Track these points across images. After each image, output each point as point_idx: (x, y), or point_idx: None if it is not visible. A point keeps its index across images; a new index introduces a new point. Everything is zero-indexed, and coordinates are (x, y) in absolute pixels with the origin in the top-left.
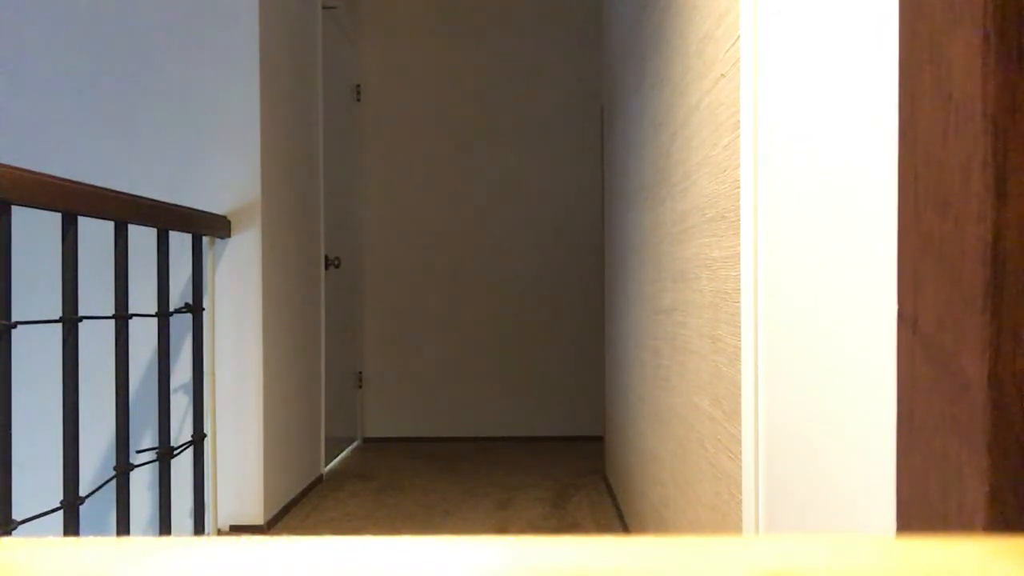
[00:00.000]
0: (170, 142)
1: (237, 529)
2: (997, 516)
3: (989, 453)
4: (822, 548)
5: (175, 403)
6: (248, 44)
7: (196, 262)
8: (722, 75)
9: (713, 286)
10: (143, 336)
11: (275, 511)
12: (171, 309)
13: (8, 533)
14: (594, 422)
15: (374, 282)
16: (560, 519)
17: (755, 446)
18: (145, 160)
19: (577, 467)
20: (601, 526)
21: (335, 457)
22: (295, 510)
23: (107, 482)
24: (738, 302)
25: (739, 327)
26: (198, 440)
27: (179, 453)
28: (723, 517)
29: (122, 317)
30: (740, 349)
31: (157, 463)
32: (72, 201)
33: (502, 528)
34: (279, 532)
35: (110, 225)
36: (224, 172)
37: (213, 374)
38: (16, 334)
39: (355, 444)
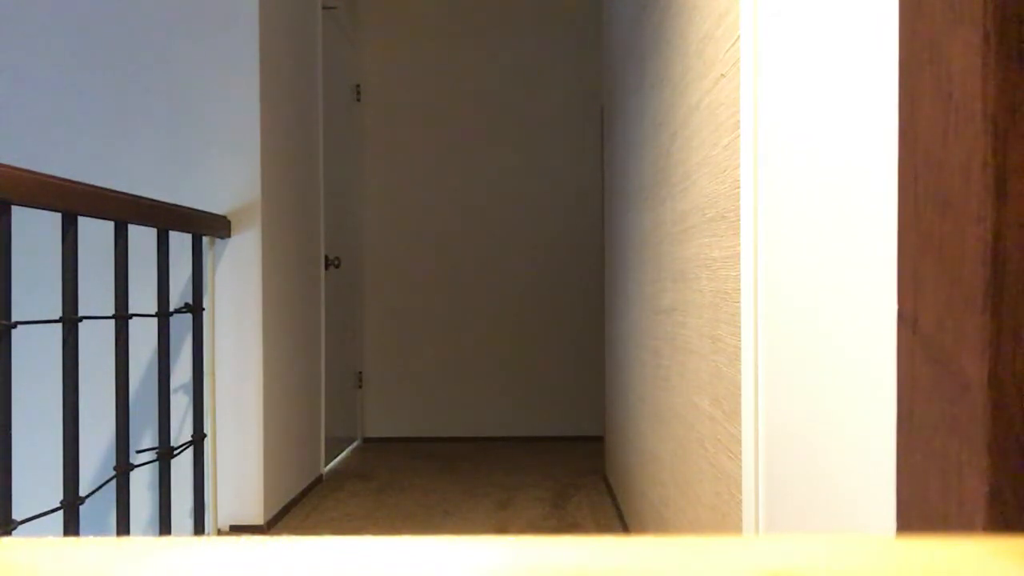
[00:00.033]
0: (170, 142)
1: (237, 529)
2: (997, 516)
3: (989, 453)
4: (822, 548)
5: (175, 403)
6: (248, 44)
7: (196, 262)
8: (722, 75)
9: (713, 286)
10: (143, 336)
11: (275, 511)
12: (171, 309)
13: (8, 533)
14: (594, 422)
15: (374, 282)
16: (560, 519)
17: (755, 446)
18: (145, 160)
19: (577, 467)
20: (601, 526)
21: (335, 457)
22: (295, 510)
23: (107, 482)
24: (738, 302)
25: (739, 327)
26: (198, 440)
27: (179, 453)
28: (723, 517)
29: (122, 317)
30: (740, 349)
31: (157, 463)
32: (72, 201)
33: (502, 528)
34: (279, 532)
35: (110, 225)
36: (224, 172)
37: (213, 374)
38: (16, 334)
39: (355, 444)
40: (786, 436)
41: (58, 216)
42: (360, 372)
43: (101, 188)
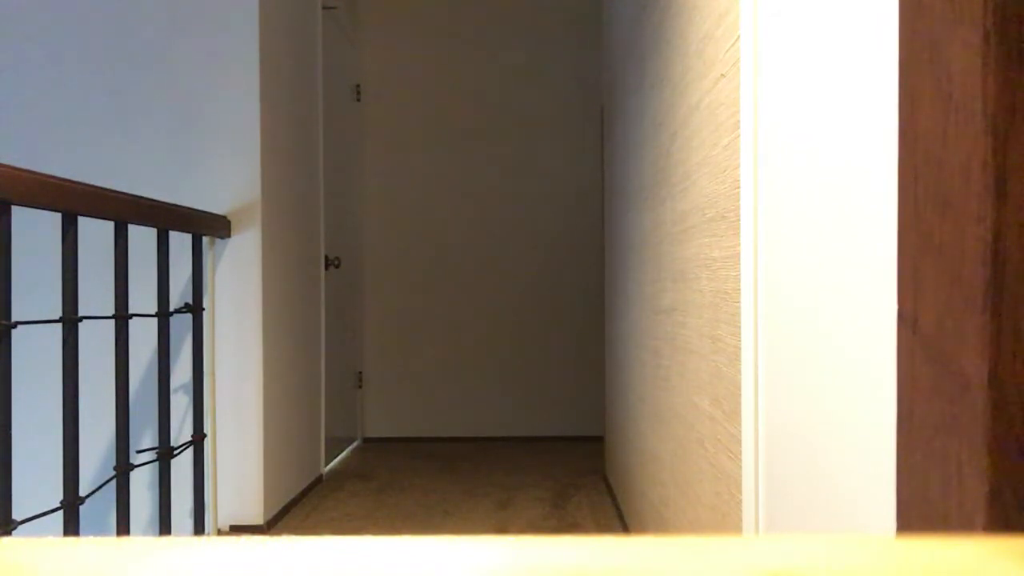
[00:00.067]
0: (170, 142)
1: (237, 529)
2: (997, 516)
3: (989, 453)
4: (822, 548)
5: (175, 403)
6: (248, 44)
7: (196, 262)
8: (722, 75)
9: (713, 286)
10: (143, 336)
11: (275, 511)
12: (171, 309)
13: (8, 533)
14: (594, 422)
15: (374, 282)
16: (560, 519)
17: (755, 446)
18: (145, 160)
19: (577, 467)
20: (601, 526)
21: (335, 457)
22: (295, 510)
23: (107, 482)
24: (738, 302)
25: (739, 327)
26: (198, 440)
27: (179, 453)
28: (723, 517)
29: (122, 317)
30: (740, 349)
31: (157, 463)
32: (72, 201)
33: (502, 528)
34: (279, 532)
35: (110, 225)
36: (224, 172)
37: (213, 374)
38: (16, 334)
39: (355, 444)
40: (786, 436)
41: (58, 216)
42: (360, 372)
43: (101, 188)
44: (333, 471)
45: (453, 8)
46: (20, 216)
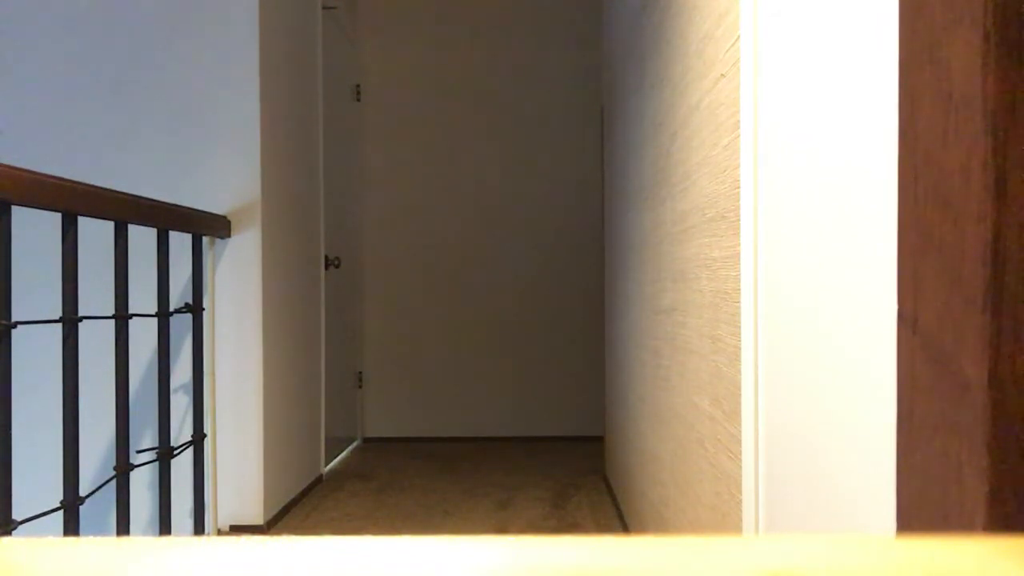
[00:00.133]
0: (170, 142)
1: (237, 529)
2: (997, 516)
3: (989, 453)
4: (822, 548)
5: (175, 403)
6: (248, 44)
7: (196, 262)
8: (722, 75)
9: (713, 286)
10: (143, 336)
11: (275, 511)
12: (171, 309)
13: (8, 533)
14: (594, 422)
15: (374, 282)
16: (560, 519)
17: (755, 446)
18: (145, 160)
19: (577, 467)
20: (601, 526)
21: (335, 457)
22: (295, 510)
23: (107, 482)
24: (738, 302)
25: (739, 327)
26: (198, 440)
27: (179, 453)
28: (723, 517)
29: (122, 317)
30: (740, 349)
31: (157, 463)
32: (72, 201)
33: (502, 528)
34: (279, 532)
35: (110, 225)
36: (224, 172)
37: (213, 374)
38: (16, 334)
39: (355, 444)
40: (786, 436)
41: (58, 216)
42: (360, 372)
43: (101, 188)
44: (333, 471)
45: (453, 8)
46: (20, 216)
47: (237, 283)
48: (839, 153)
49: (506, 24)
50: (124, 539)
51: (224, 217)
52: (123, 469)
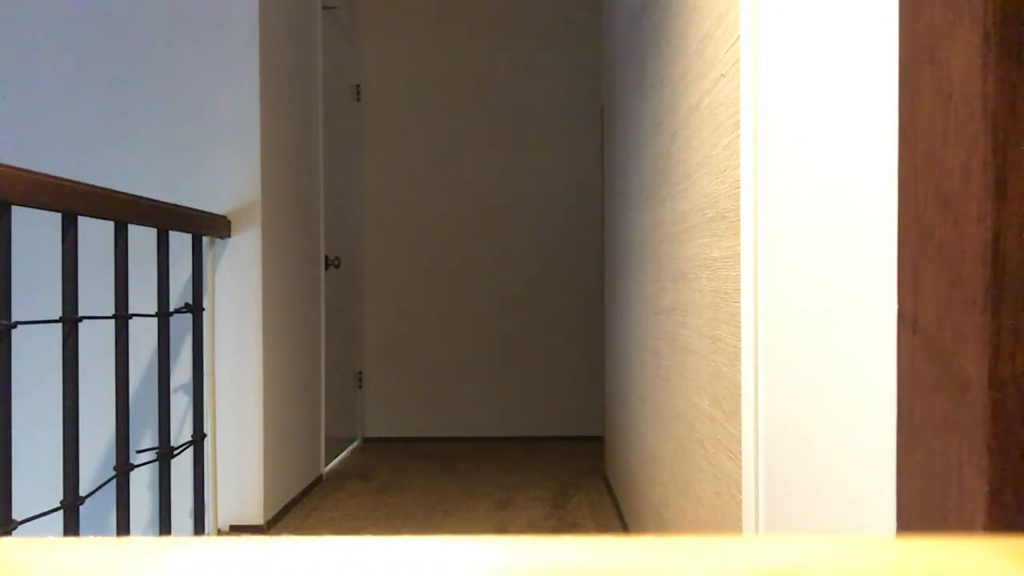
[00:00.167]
0: (170, 142)
1: (237, 529)
2: (997, 516)
3: (989, 453)
4: (822, 548)
5: (175, 403)
6: (248, 44)
7: (196, 262)
8: (722, 75)
9: (713, 286)
10: (143, 336)
11: (275, 511)
12: (171, 309)
13: (8, 533)
14: (594, 422)
15: (374, 282)
16: (560, 519)
17: (755, 446)
18: (145, 160)
19: (577, 467)
20: (601, 526)
21: (335, 457)
22: (295, 510)
23: (107, 482)
24: (738, 302)
25: (739, 327)
26: (198, 440)
27: (179, 453)
28: (723, 517)
29: (122, 317)
30: (740, 349)
31: (157, 463)
32: (72, 201)
33: (502, 528)
34: (279, 532)
35: (110, 225)
36: (224, 172)
37: (213, 374)
38: (16, 334)
39: (355, 444)
40: (786, 436)
41: (58, 216)
42: (360, 372)
43: (101, 188)
44: (333, 471)
45: (453, 8)
46: (20, 216)
47: (237, 283)
48: (839, 153)
49: (506, 24)
50: (124, 539)
51: (224, 217)
52: (123, 469)
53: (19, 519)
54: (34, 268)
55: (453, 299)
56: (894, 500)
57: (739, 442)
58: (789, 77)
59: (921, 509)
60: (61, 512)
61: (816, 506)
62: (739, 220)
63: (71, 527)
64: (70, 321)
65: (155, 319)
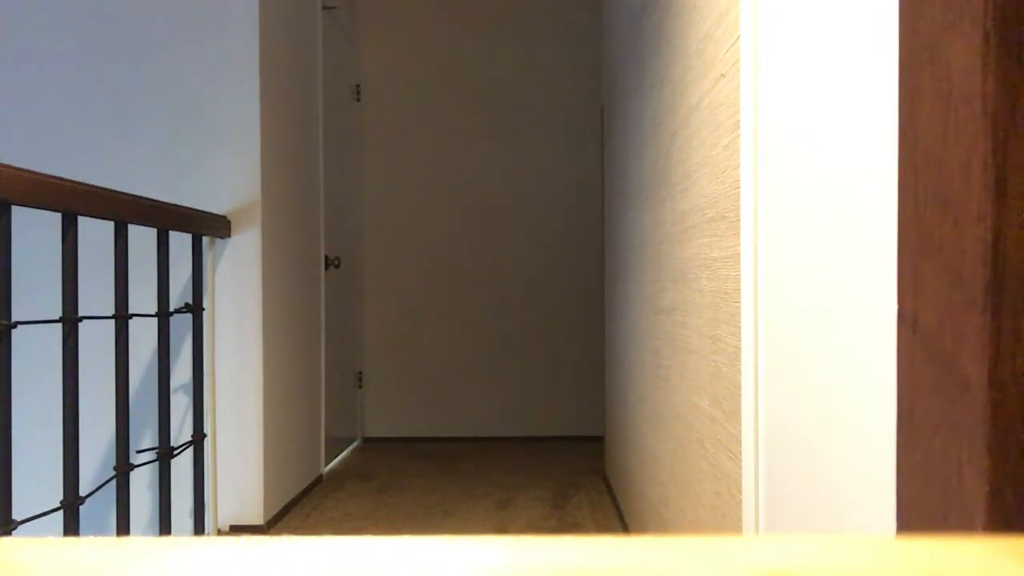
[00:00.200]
0: (170, 142)
1: (237, 529)
2: (997, 516)
3: (989, 453)
4: (822, 548)
5: (175, 403)
6: (248, 44)
7: (196, 262)
8: (722, 75)
9: (713, 286)
10: (143, 336)
11: (275, 511)
12: (171, 309)
13: (8, 533)
14: (594, 422)
15: (374, 282)
16: (560, 519)
17: (755, 446)
18: (145, 160)
19: (577, 467)
20: (601, 526)
21: (335, 457)
22: (295, 510)
23: (107, 482)
24: (738, 302)
25: (739, 327)
26: (198, 440)
27: (179, 453)
28: (723, 517)
29: (122, 317)
30: (740, 349)
31: (157, 463)
32: (72, 201)
33: (502, 528)
34: (279, 532)
35: (110, 225)
36: (224, 172)
37: (213, 374)
38: (16, 334)
39: (355, 444)
40: (786, 436)
41: (58, 216)
42: (360, 372)
43: (101, 188)
44: (333, 471)
45: (453, 8)
46: (20, 216)
47: (237, 283)
48: (839, 153)
49: (506, 24)
50: (124, 539)
51: (224, 217)
52: (123, 469)
53: (19, 519)
54: (34, 268)
55: (453, 299)
56: (894, 500)
57: (739, 442)
58: (789, 77)
59: (921, 509)
60: (61, 512)
61: (816, 506)
62: (739, 220)
63: (71, 527)
64: (70, 321)
65: (155, 319)
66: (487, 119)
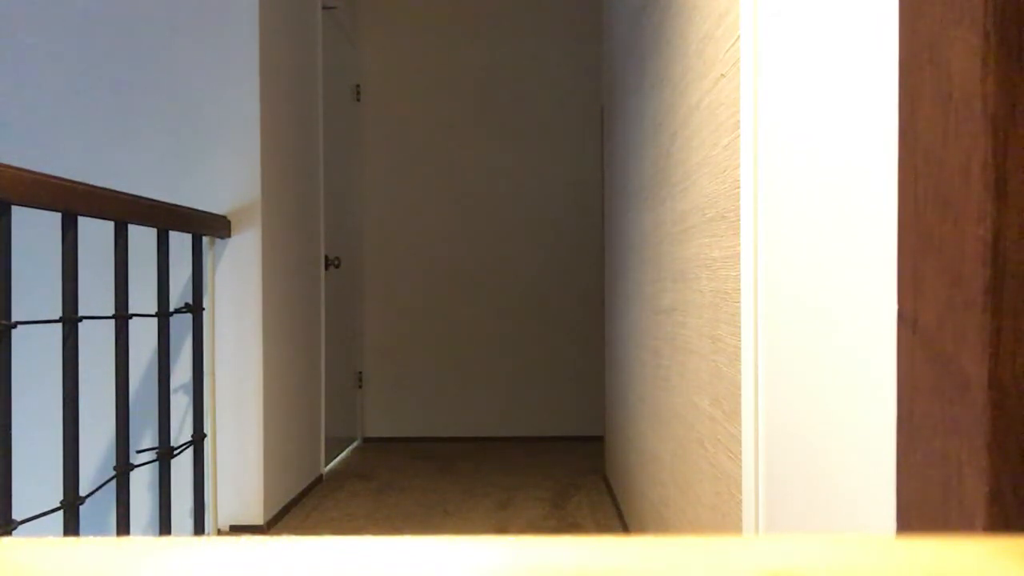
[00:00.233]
0: (170, 142)
1: (237, 529)
2: (997, 516)
3: (989, 453)
4: (822, 548)
5: (175, 403)
6: (248, 44)
7: (196, 262)
8: (722, 75)
9: (713, 286)
10: (143, 336)
11: (275, 511)
12: (171, 309)
13: (8, 533)
14: (594, 422)
15: (374, 282)
16: (560, 519)
17: (755, 446)
18: (145, 160)
19: (577, 467)
20: (601, 526)
21: (335, 457)
22: (295, 510)
23: (107, 482)
24: (738, 302)
25: (739, 327)
26: (198, 440)
27: (179, 453)
28: (723, 517)
29: (122, 317)
30: (740, 349)
31: (157, 463)
32: (72, 201)
33: (502, 528)
34: (279, 532)
35: (110, 225)
36: (224, 172)
37: (213, 374)
38: (16, 334)
39: (355, 444)
40: (786, 436)
41: (58, 216)
42: (360, 372)
43: (101, 188)
44: (333, 471)
45: (453, 8)
46: (20, 216)
47: (237, 283)
48: (839, 153)
49: (506, 24)
50: (124, 539)
51: (224, 217)
52: (123, 469)
53: (19, 519)
54: (34, 268)
55: (453, 299)
56: (894, 500)
57: (739, 442)
58: (789, 77)
59: (921, 509)
60: (61, 512)
61: (816, 506)
62: (739, 220)
63: (71, 527)
64: (70, 321)
65: (155, 319)
66: (487, 119)
